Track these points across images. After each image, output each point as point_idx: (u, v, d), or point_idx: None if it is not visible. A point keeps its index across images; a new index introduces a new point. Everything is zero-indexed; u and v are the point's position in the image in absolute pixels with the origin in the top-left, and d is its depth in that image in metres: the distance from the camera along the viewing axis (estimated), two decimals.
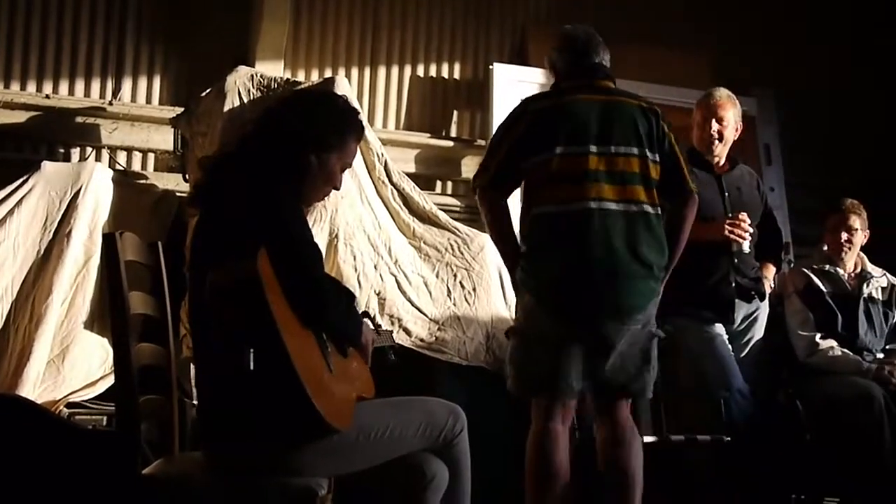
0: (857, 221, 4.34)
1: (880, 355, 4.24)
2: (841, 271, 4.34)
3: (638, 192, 3.21)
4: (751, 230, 4.05)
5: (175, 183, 4.64)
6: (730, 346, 4.08)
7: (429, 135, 5.53)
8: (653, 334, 3.24)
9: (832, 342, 4.19)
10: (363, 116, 2.69)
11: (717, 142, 4.18)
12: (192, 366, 2.60)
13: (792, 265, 4.88)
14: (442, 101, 5.67)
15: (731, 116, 4.19)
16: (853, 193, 4.60)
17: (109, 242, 2.44)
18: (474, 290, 4.14)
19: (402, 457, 2.48)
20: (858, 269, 4.39)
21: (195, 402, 2.79)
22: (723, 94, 4.23)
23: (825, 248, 4.41)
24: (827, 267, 4.35)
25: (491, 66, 5.44)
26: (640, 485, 3.19)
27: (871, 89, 6.46)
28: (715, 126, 4.17)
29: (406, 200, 4.32)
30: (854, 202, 4.39)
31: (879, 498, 3.93)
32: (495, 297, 4.20)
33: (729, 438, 3.88)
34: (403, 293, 3.98)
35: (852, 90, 6.41)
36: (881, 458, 3.89)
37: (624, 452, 3.19)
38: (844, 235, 4.33)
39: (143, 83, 5.07)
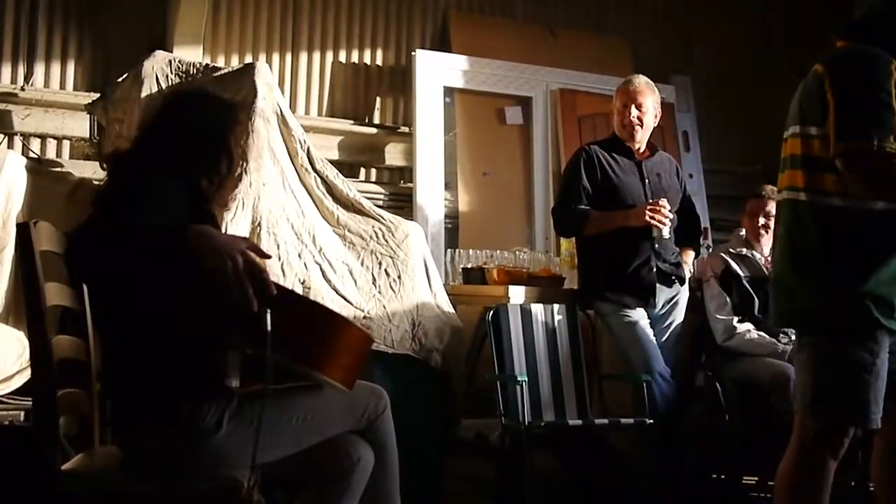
0: (775, 207, 4.43)
1: (794, 336, 4.34)
2: (758, 255, 4.44)
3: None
4: (670, 216, 4.12)
5: (91, 171, 4.50)
6: (651, 331, 4.16)
7: (352, 121, 5.50)
8: None
9: (749, 325, 4.30)
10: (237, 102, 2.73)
11: (637, 128, 4.24)
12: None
13: (710, 250, 4.97)
14: (365, 87, 5.63)
15: (649, 103, 4.26)
16: (767, 179, 4.71)
17: (24, 232, 2.37)
18: (399, 277, 4.13)
19: (327, 441, 2.47)
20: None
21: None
22: (641, 80, 4.30)
23: (742, 232, 4.51)
24: (744, 251, 4.45)
25: (413, 53, 5.42)
26: None
27: (782, 75, 6.63)
28: (634, 112, 4.23)
29: (330, 188, 4.28)
30: (773, 188, 4.48)
31: None
32: (420, 285, 4.19)
33: (651, 421, 3.95)
34: (328, 281, 3.94)
35: (765, 77, 6.57)
36: None
37: None
38: (762, 220, 4.43)
39: (56, 68, 4.92)
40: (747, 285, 4.36)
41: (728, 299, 4.35)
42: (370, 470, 2.50)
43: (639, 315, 4.16)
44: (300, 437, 2.44)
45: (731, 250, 4.48)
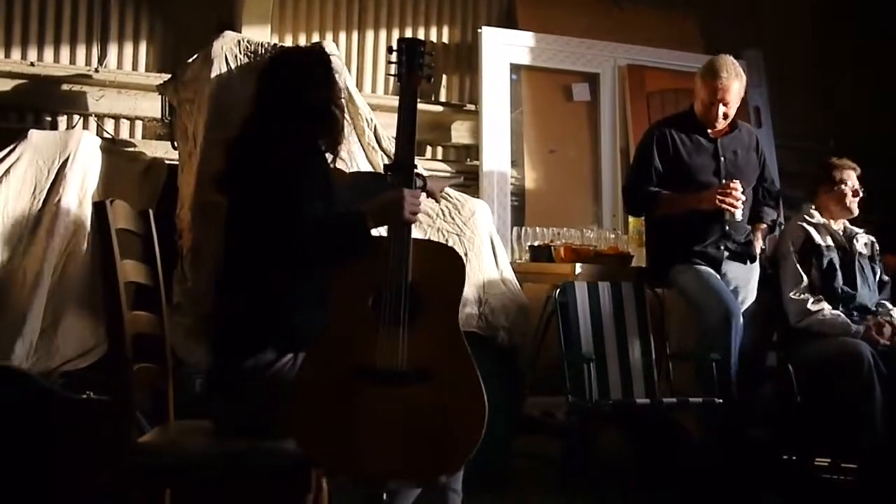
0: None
1: (873, 308, 4.25)
2: (835, 226, 4.32)
3: None
4: (742, 198, 4.03)
5: (164, 150, 4.59)
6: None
7: (418, 100, 5.49)
8: None
9: (823, 304, 4.17)
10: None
11: (721, 120, 4.16)
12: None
13: (781, 227, 4.86)
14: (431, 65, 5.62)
15: (735, 92, 4.13)
16: (840, 155, 4.60)
17: (100, 210, 2.42)
18: (466, 255, 4.13)
19: None
20: (843, 226, 4.39)
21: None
22: (730, 72, 4.11)
23: (830, 197, 4.38)
24: (822, 220, 4.33)
25: (479, 30, 5.39)
26: None
27: (855, 48, 6.46)
28: (721, 109, 4.13)
29: None
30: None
31: (870, 457, 3.97)
32: (487, 263, 4.19)
33: (721, 400, 3.90)
34: None
35: (837, 49, 6.41)
36: (871, 418, 3.91)
37: None
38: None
39: (128, 50, 5.00)
40: (831, 256, 4.24)
41: (805, 278, 4.20)
42: None
43: (712, 271, 4.08)
44: None
45: (809, 219, 4.34)
